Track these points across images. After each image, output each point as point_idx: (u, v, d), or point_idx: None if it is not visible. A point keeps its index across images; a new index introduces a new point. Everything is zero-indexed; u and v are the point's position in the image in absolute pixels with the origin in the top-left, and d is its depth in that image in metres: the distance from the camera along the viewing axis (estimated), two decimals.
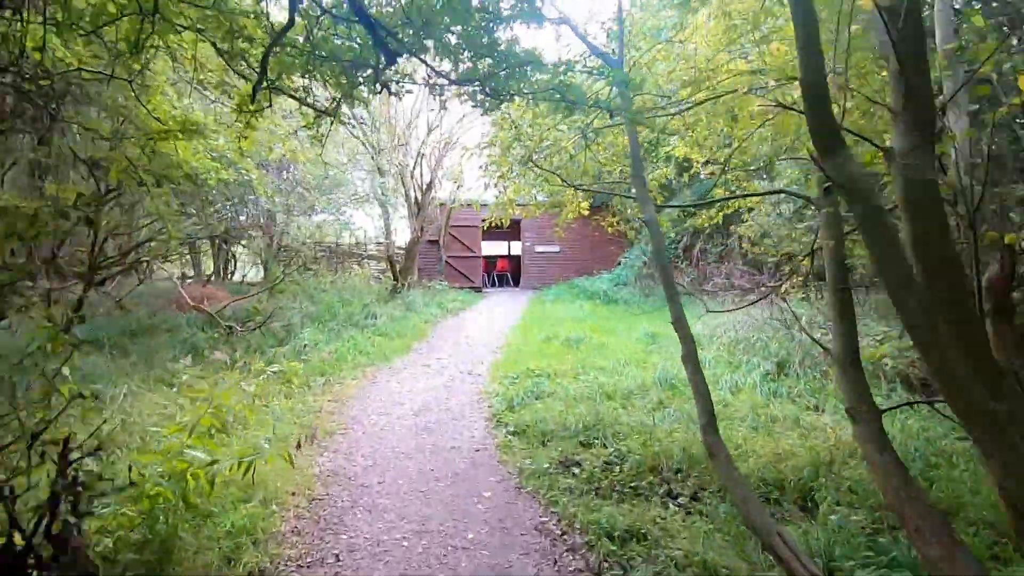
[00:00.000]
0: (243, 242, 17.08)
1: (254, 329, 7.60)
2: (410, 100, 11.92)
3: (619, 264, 16.06)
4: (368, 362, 7.43)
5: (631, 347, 8.18)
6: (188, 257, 18.22)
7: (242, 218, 12.90)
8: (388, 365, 7.53)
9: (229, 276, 17.49)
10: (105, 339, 7.49)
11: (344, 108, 4.46)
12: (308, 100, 3.62)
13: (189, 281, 16.75)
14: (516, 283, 19.70)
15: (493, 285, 19.42)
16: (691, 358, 3.25)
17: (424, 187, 12.46)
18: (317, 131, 3.71)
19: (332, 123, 3.63)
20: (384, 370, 7.28)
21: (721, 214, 5.95)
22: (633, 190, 6.13)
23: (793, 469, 4.30)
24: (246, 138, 3.97)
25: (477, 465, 4.53)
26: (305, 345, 7.33)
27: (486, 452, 4.81)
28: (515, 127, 4.38)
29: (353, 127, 10.54)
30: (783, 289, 4.93)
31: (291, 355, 6.96)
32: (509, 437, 5.08)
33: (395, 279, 12.67)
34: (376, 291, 12.85)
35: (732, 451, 4.60)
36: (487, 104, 3.59)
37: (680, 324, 3.36)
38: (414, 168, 12.14)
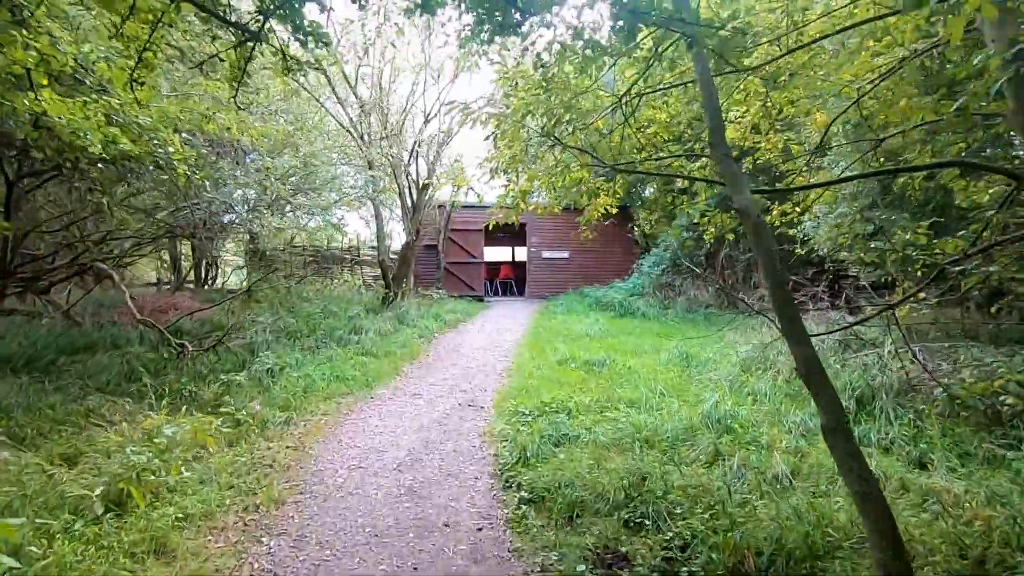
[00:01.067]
0: (227, 244, 15.85)
1: (208, 349, 6.26)
2: (406, 87, 10.60)
3: (633, 272, 14.73)
4: (346, 391, 6.08)
5: (664, 372, 6.83)
6: (168, 261, 16.99)
7: (226, 216, 11.57)
8: (370, 394, 6.17)
9: (210, 283, 16.20)
10: (24, 360, 6.18)
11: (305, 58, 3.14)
12: (226, 16, 2.30)
13: (167, 287, 15.47)
14: (520, 292, 18.36)
15: (496, 294, 18.07)
16: (843, 434, 1.91)
17: (420, 184, 11.16)
18: (239, 64, 2.39)
19: (254, 48, 2.30)
20: (364, 402, 5.93)
21: (785, 214, 4.62)
22: (697, 170, 4.84)
23: (940, 572, 2.97)
24: (142, 84, 2.66)
25: (480, 558, 3.19)
26: (268, 369, 5.98)
27: (492, 533, 3.46)
28: (541, 66, 3.06)
29: (329, 97, 9.28)
30: (900, 309, 3.61)
31: (249, 383, 5.62)
32: (523, 507, 3.73)
33: (388, 287, 11.35)
34: (366, 300, 11.52)
35: (837, 537, 3.28)
36: (497, 21, 2.28)
37: (815, 375, 2.02)
38: (409, 162, 10.84)
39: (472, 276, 16.05)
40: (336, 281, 13.74)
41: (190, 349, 6.18)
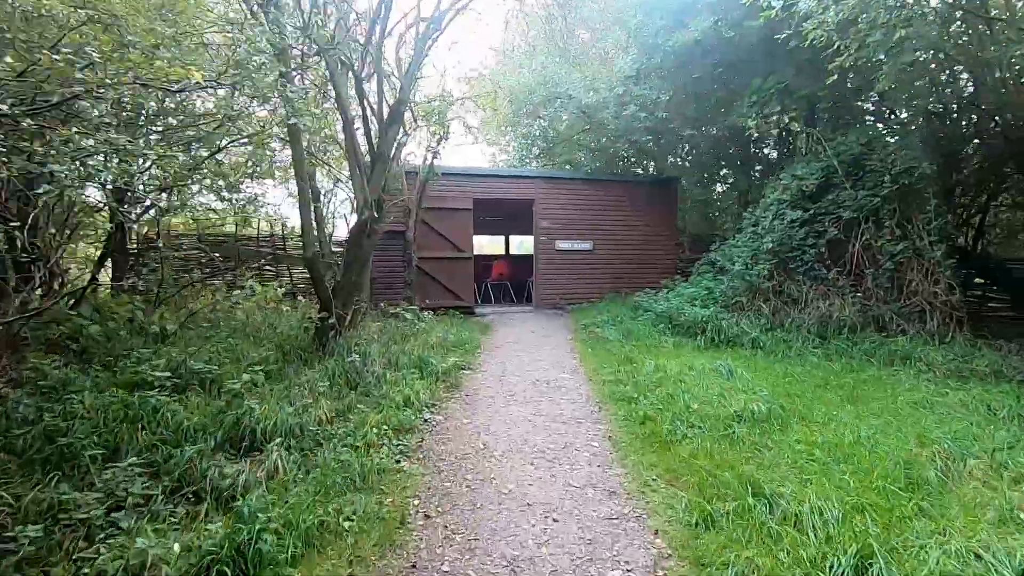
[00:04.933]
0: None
1: None
2: None
3: (708, 266, 10.06)
4: None
5: None
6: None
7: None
8: None
9: (46, 290, 10.43)
10: None
11: None
12: None
13: None
14: (522, 298, 13.40)
15: (487, 301, 13.02)
16: None
17: (387, 118, 5.97)
18: None
19: None
20: None
21: None
22: None
23: None
24: None
25: None
26: None
27: None
28: None
29: None
30: None
31: None
32: None
33: (326, 308, 6.08)
34: (284, 335, 6.33)
35: None
36: None
37: None
38: (363, 72, 5.59)
39: (457, 278, 10.94)
40: (243, 291, 8.37)
41: None
